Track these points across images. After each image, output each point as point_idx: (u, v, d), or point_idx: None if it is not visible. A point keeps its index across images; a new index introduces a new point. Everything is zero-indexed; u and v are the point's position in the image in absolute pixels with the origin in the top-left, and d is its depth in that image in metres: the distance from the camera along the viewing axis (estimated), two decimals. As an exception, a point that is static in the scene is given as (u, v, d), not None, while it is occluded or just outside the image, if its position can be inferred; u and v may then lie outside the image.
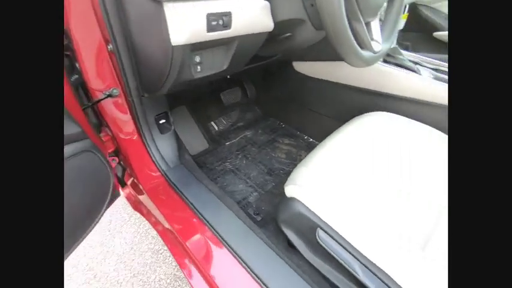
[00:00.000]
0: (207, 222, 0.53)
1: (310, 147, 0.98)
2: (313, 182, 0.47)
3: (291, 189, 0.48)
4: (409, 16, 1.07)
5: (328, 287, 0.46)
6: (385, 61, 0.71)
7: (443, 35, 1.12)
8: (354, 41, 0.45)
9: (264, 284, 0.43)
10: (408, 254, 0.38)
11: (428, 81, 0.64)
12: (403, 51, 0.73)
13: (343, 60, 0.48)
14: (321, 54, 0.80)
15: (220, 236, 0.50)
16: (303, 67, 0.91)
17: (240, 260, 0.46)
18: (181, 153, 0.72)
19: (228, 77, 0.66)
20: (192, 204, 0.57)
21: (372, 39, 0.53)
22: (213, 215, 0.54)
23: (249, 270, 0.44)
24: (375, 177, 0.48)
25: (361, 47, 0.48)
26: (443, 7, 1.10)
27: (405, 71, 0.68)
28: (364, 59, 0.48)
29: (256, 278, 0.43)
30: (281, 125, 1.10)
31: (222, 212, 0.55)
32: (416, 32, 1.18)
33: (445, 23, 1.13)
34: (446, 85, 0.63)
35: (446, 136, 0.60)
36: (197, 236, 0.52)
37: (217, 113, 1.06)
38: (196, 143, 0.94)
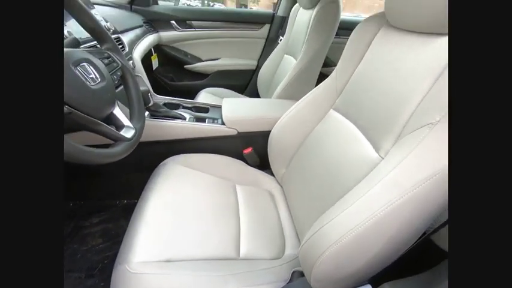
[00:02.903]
0: None
1: (128, 210, 0.89)
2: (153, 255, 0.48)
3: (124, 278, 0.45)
4: (158, 55, 1.42)
5: None
6: (153, 115, 0.83)
7: (190, 67, 1.58)
8: (96, 151, 0.42)
9: None
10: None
11: (188, 124, 0.85)
12: (167, 98, 0.96)
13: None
14: None
15: None
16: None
17: None
18: None
19: None
20: None
21: (123, 126, 0.53)
22: None
23: None
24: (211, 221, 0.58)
25: (116, 140, 0.49)
26: (181, 46, 1.53)
27: (171, 120, 0.84)
28: (122, 152, 0.48)
29: None
30: (79, 203, 0.93)
31: None
32: (171, 66, 1.57)
33: (186, 58, 1.54)
34: (204, 124, 0.86)
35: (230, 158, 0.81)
36: None
37: None
38: None
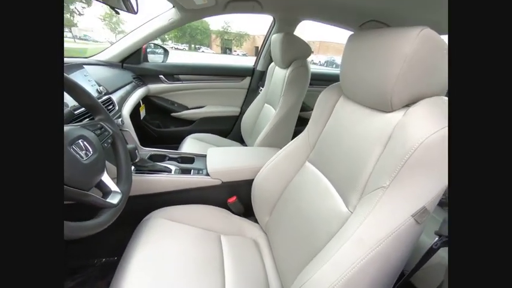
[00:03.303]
0: None
1: (106, 269, 0.87)
2: None
3: None
4: (145, 104, 1.52)
5: None
6: (139, 170, 0.84)
7: (176, 115, 1.64)
8: (83, 225, 0.42)
9: None
10: None
11: (174, 176, 0.87)
12: (153, 149, 1.00)
13: None
14: None
15: None
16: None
17: None
18: None
19: None
20: None
21: (110, 192, 0.54)
22: None
23: None
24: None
25: (103, 208, 0.50)
26: (168, 96, 1.60)
27: (157, 174, 0.85)
28: (108, 220, 0.49)
29: None
30: None
31: None
32: (158, 114, 1.66)
33: (172, 107, 1.64)
34: (189, 175, 0.87)
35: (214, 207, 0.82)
36: None
37: None
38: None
